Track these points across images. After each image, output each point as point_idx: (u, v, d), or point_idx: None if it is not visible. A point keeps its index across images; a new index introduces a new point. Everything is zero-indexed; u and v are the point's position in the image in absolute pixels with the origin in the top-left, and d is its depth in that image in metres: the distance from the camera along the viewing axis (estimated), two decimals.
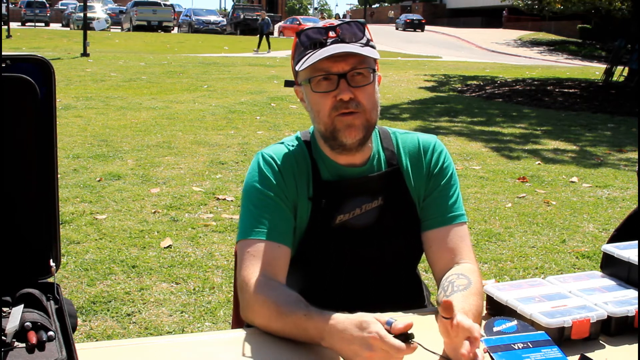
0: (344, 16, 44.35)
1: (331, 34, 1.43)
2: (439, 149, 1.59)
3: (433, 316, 1.39)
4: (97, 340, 2.74)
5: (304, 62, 1.43)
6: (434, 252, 1.53)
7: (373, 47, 1.47)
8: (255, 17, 35.49)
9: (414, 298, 1.66)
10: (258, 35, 24.48)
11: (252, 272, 1.40)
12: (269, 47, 23.68)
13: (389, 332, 1.13)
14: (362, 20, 1.49)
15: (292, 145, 1.55)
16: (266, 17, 24.85)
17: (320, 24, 1.48)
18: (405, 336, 1.12)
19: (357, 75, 1.43)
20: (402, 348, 1.10)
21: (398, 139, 1.59)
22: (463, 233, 1.53)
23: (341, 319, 1.19)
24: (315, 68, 1.42)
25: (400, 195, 1.54)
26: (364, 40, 1.45)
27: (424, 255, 1.59)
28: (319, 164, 1.52)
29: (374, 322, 1.14)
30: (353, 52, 1.41)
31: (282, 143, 1.56)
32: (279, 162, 1.50)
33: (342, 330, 1.16)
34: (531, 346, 1.20)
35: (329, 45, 1.42)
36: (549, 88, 13.39)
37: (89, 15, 22.06)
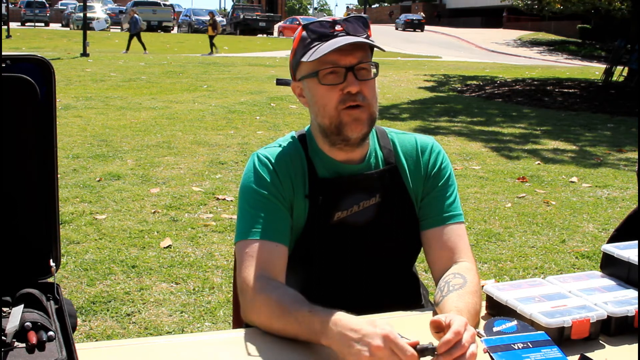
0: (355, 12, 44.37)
1: (337, 27, 1.45)
2: (437, 150, 1.60)
3: (430, 314, 1.39)
4: (97, 340, 2.74)
5: (312, 54, 1.42)
6: (433, 251, 1.53)
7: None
8: (255, 17, 35.49)
9: (410, 296, 1.66)
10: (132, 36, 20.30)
11: (252, 272, 1.40)
12: (128, 49, 20.00)
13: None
14: (366, 15, 1.50)
15: (287, 145, 1.55)
16: (135, 15, 20.33)
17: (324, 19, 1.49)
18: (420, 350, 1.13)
19: (363, 70, 1.45)
20: (412, 354, 1.11)
21: (395, 139, 1.60)
22: (461, 232, 1.54)
23: (350, 316, 1.19)
24: (323, 61, 1.42)
25: (398, 193, 1.55)
26: (365, 35, 1.46)
27: (424, 255, 1.59)
28: (316, 162, 1.52)
29: (387, 322, 1.15)
30: (365, 42, 1.42)
31: (277, 143, 1.57)
32: (274, 162, 1.51)
33: (352, 329, 1.16)
34: (531, 346, 1.20)
35: (338, 37, 1.43)
36: (548, 88, 13.39)
37: (88, 15, 22.07)
